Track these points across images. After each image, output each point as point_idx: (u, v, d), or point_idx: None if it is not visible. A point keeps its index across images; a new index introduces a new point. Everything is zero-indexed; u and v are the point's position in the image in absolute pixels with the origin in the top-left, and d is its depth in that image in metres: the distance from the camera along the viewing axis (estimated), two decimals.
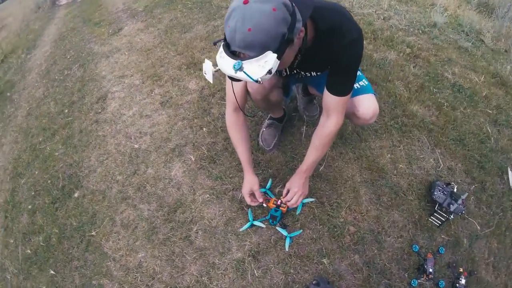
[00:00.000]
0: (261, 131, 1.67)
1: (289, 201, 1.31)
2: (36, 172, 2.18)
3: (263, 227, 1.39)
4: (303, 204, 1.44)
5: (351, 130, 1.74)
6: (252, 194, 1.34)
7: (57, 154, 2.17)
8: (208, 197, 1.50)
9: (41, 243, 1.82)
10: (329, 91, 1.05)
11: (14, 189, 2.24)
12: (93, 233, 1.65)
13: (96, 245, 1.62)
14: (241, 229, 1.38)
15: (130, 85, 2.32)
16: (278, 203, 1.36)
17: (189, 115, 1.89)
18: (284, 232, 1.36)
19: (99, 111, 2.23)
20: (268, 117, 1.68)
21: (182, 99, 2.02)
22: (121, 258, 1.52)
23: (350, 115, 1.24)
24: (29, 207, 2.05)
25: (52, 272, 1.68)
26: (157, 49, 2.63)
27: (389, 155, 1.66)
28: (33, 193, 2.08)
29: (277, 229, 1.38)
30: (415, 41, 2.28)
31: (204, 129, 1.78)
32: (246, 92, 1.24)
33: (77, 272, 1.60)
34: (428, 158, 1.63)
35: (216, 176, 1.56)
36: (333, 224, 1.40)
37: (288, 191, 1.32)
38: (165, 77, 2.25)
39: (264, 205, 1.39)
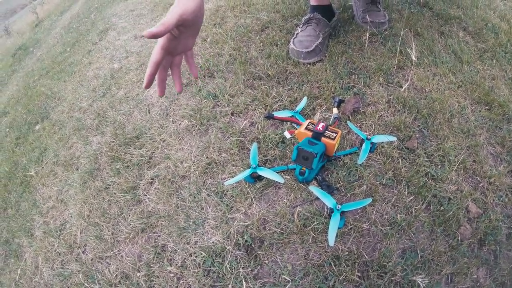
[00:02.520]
0: (294, 34, 1.01)
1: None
2: (19, 109, 1.82)
3: (279, 183, 0.67)
4: (373, 146, 0.71)
5: (443, 45, 1.02)
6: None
7: (43, 89, 1.77)
8: (186, 123, 0.85)
9: None
10: None
11: None
12: (33, 172, 1.14)
13: (32, 190, 1.10)
14: (227, 183, 0.66)
15: (137, 15, 1.85)
16: (319, 127, 0.66)
17: None
18: (329, 201, 0.60)
19: (96, 41, 1.79)
20: (308, 9, 1.03)
21: None
22: (48, 212, 0.96)
23: None
24: None
25: None
26: None
27: (507, 90, 0.89)
28: (7, 130, 1.70)
29: (311, 191, 0.64)
30: None
31: (209, 39, 1.17)
32: None
33: (6, 223, 1.12)
34: None
35: (209, 93, 0.91)
36: (435, 195, 0.67)
37: None
38: None
39: (287, 135, 0.71)
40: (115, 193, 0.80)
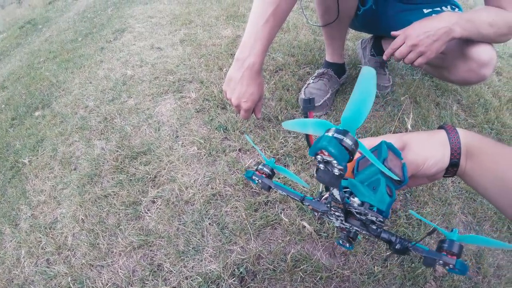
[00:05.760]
0: (306, 84, 1.10)
1: None
2: (19, 88, 1.80)
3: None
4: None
5: (437, 116, 1.14)
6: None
7: (47, 74, 1.77)
8: (195, 150, 0.92)
9: None
10: None
11: None
12: (26, 160, 1.14)
13: (22, 178, 1.10)
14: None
15: (155, 23, 1.91)
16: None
17: (210, 54, 1.39)
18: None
19: (110, 40, 1.83)
20: (323, 62, 1.13)
21: (209, 42, 1.53)
22: (38, 205, 0.97)
23: (456, 62, 0.86)
24: None
25: None
26: (199, 2, 2.24)
27: None
28: (3, 106, 1.67)
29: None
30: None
31: (225, 69, 1.25)
32: None
33: None
34: None
35: (219, 125, 0.98)
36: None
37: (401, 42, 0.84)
38: (198, 22, 1.81)
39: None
40: (114, 204, 0.83)
